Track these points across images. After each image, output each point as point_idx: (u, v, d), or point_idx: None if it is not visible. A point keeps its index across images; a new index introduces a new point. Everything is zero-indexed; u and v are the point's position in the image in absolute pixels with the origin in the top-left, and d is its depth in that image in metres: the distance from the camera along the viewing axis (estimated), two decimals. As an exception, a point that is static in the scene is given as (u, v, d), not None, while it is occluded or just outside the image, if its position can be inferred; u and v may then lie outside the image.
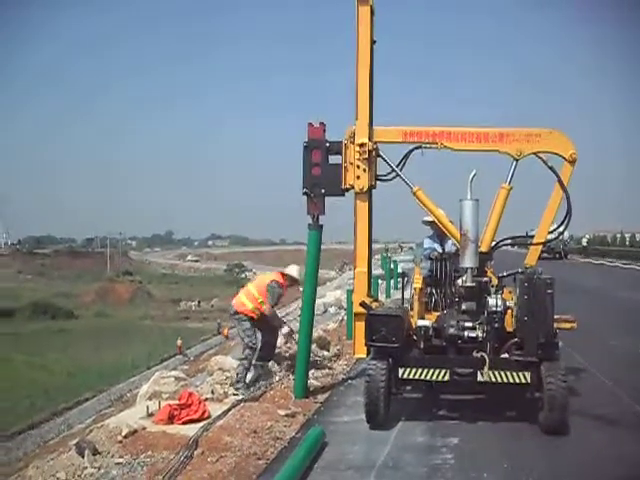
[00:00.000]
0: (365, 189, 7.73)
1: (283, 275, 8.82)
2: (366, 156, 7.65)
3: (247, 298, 8.65)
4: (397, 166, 7.87)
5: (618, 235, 53.55)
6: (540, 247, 7.71)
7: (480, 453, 6.01)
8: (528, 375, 6.48)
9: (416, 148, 7.80)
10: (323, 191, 7.89)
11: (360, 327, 7.79)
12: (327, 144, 7.90)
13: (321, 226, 8.07)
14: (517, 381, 6.51)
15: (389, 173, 7.93)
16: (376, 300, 8.03)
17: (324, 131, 7.98)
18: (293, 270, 8.84)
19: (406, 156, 7.87)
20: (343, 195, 7.97)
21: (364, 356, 8.00)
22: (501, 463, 5.69)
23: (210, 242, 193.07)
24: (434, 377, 6.69)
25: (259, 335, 8.65)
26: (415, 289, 7.46)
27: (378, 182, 7.98)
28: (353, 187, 7.77)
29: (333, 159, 7.93)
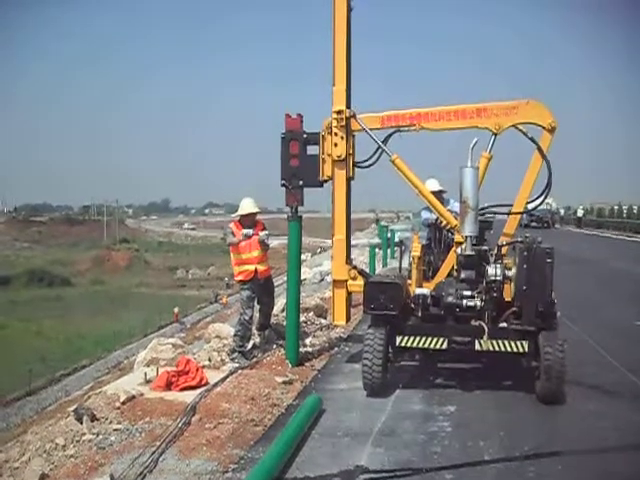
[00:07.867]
0: (342, 157, 7.73)
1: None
2: (343, 123, 7.66)
3: None
4: (375, 152, 7.84)
5: (616, 207, 53.31)
6: (519, 216, 7.63)
7: (477, 421, 6.03)
8: (526, 344, 6.48)
9: (395, 132, 7.78)
10: (301, 183, 7.88)
11: (339, 294, 7.93)
12: (305, 135, 7.86)
13: (300, 217, 8.06)
14: (515, 350, 6.51)
15: (367, 159, 7.94)
16: (355, 267, 8.09)
17: (301, 122, 7.93)
18: (240, 211, 8.48)
19: (385, 141, 7.80)
20: (321, 186, 8.00)
21: (344, 323, 8.15)
22: (497, 431, 5.71)
23: (207, 210, 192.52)
24: (432, 345, 6.68)
25: (255, 310, 8.59)
26: (414, 257, 7.43)
27: (357, 169, 7.97)
28: (331, 179, 7.81)
29: (311, 150, 7.91)
